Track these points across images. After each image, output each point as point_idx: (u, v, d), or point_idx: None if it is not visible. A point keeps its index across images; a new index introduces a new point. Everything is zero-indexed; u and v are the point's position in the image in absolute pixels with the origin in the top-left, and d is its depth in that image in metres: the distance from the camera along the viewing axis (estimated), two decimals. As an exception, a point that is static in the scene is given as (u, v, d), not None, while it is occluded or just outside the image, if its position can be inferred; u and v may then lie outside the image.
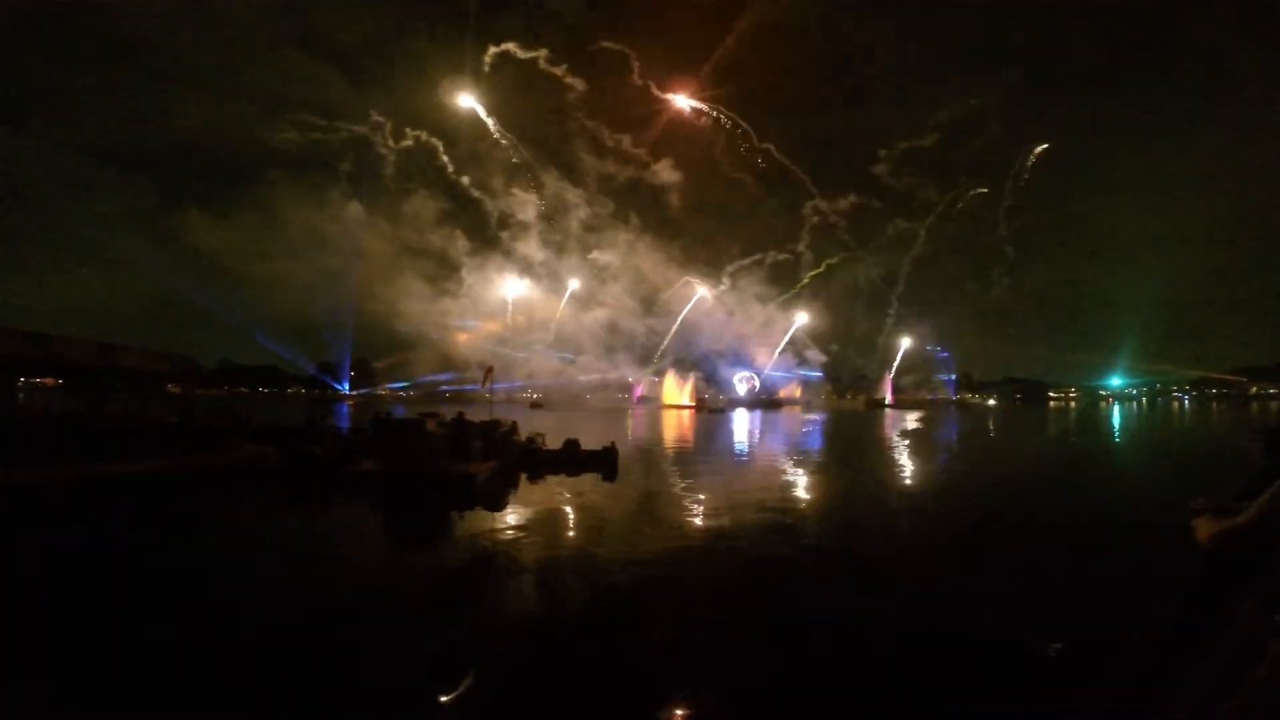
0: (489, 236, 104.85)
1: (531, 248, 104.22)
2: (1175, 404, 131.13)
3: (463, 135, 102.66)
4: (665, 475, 17.94)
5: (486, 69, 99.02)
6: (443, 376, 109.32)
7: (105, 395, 19.28)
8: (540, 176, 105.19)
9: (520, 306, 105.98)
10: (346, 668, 5.02)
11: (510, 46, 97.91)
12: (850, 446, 30.56)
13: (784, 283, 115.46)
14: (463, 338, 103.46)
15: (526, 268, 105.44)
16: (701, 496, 13.49)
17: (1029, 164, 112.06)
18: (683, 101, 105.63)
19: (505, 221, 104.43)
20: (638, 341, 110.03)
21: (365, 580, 7.69)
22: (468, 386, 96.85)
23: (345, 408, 65.39)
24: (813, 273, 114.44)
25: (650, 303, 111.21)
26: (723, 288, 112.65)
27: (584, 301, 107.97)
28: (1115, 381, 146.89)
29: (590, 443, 18.38)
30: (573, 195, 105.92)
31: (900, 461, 22.53)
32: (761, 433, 39.55)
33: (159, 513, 11.67)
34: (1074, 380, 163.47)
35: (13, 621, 5.88)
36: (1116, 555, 8.81)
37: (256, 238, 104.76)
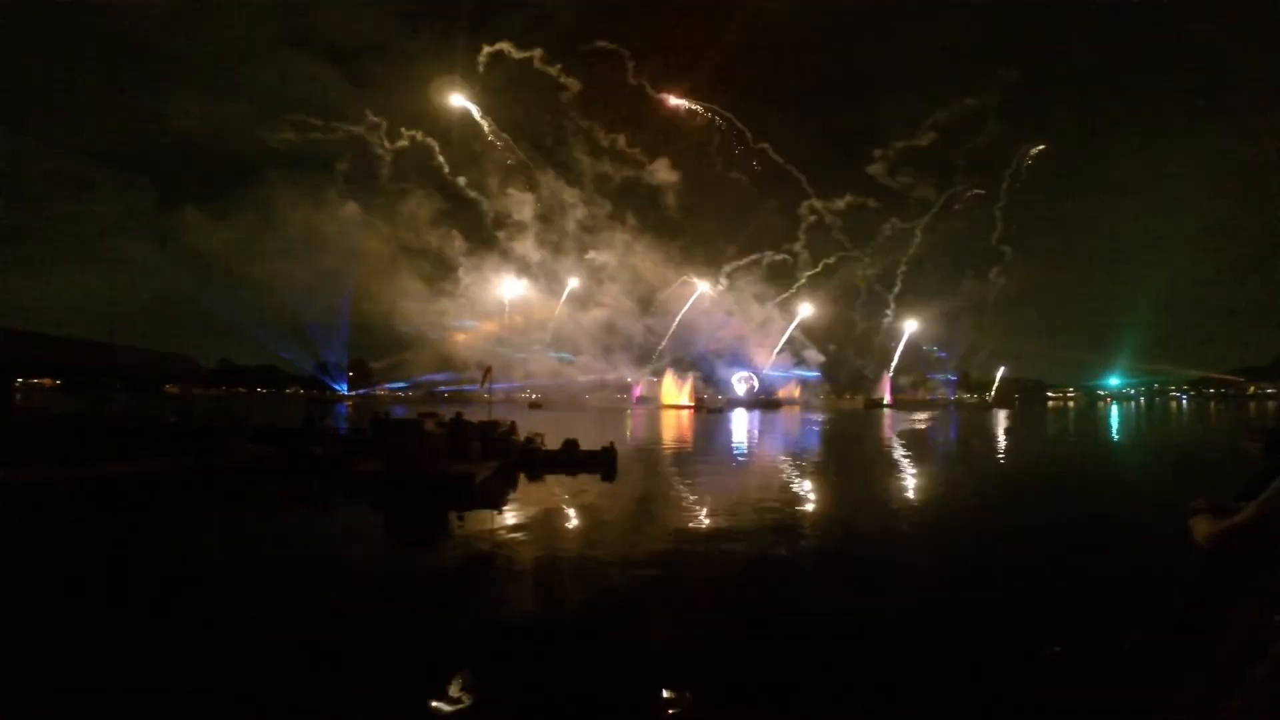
0: (485, 237, 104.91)
1: (528, 248, 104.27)
2: (1173, 404, 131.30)
3: (460, 135, 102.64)
4: (664, 476, 17.95)
5: (485, 69, 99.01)
6: (441, 376, 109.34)
7: (104, 396, 19.24)
8: (537, 176, 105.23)
9: (518, 307, 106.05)
10: (345, 668, 5.01)
11: (508, 46, 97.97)
12: (850, 447, 30.59)
13: (781, 283, 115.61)
14: (461, 338, 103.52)
15: (524, 268, 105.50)
16: (701, 497, 13.50)
17: (1026, 164, 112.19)
18: (678, 101, 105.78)
19: (502, 222, 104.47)
20: (635, 342, 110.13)
21: (364, 580, 7.69)
22: (466, 386, 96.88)
23: (343, 408, 65.32)
24: (809, 273, 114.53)
25: (648, 303, 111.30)
26: (720, 287, 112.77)
27: (582, 301, 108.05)
28: (1113, 381, 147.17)
29: (589, 443, 18.37)
30: (569, 195, 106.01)
31: (898, 461, 22.55)
32: (761, 433, 39.56)
33: (159, 513, 11.65)
34: (1072, 380, 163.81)
35: (12, 621, 5.87)
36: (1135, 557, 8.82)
37: (256, 238, 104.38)
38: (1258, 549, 1.70)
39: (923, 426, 46.73)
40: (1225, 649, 1.63)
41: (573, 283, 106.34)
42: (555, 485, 14.76)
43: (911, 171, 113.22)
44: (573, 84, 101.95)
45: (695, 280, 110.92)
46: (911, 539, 10.33)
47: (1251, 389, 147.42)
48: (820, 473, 19.03)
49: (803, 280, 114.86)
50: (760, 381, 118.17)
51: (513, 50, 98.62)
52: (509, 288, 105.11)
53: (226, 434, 16.58)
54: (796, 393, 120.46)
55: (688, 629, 6.07)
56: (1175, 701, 1.64)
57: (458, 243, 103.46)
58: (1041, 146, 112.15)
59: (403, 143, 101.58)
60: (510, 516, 11.20)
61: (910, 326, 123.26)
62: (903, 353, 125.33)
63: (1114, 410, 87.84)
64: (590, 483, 14.95)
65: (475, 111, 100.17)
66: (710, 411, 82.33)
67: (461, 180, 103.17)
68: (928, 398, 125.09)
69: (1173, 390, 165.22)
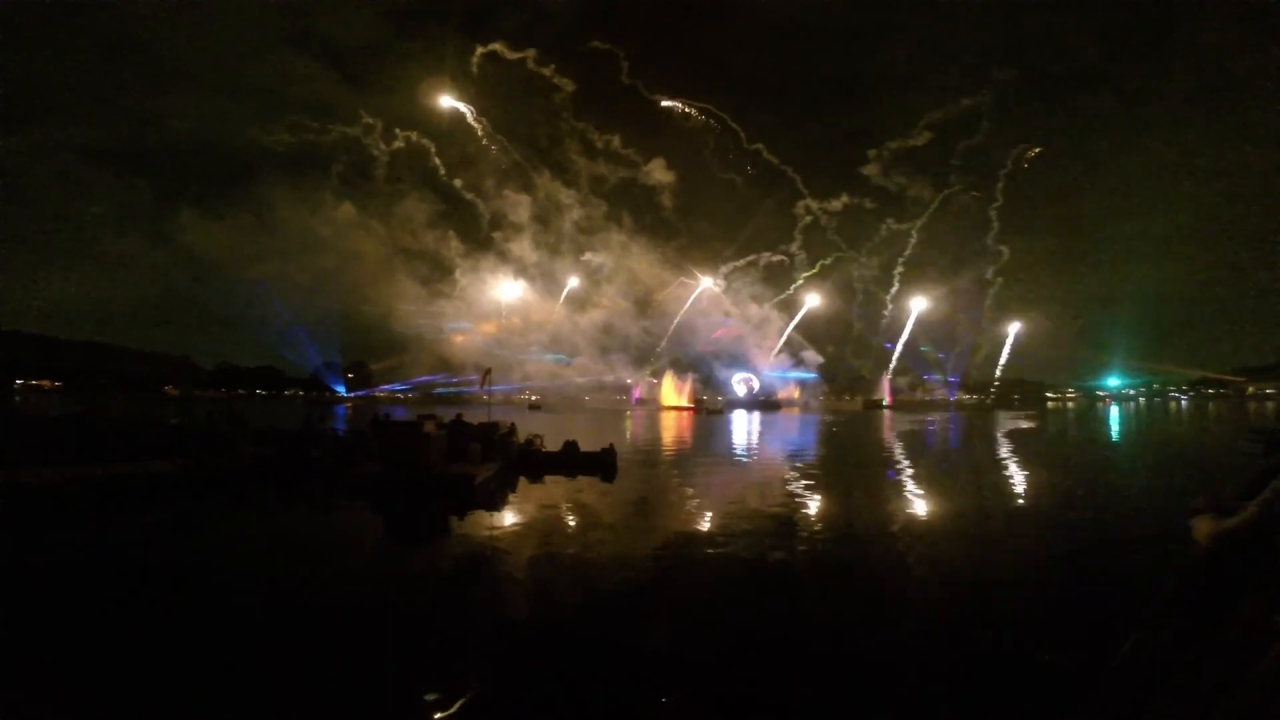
0: (482, 238, 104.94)
1: (525, 249, 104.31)
2: (1173, 404, 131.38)
3: (456, 136, 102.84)
4: (664, 478, 17.94)
5: (480, 70, 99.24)
6: (440, 378, 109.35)
7: (104, 397, 19.23)
8: (533, 177, 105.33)
9: (515, 308, 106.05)
10: (344, 668, 5.01)
11: (501, 47, 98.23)
12: (854, 451, 30.58)
13: (779, 284, 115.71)
14: (459, 339, 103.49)
15: (521, 269, 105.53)
16: (701, 500, 13.48)
17: (1024, 165, 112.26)
18: (671, 103, 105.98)
19: (499, 223, 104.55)
20: (633, 343, 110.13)
21: (364, 582, 7.68)
22: (466, 388, 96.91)
23: (342, 410, 65.27)
24: (807, 274, 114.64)
25: (645, 304, 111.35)
26: (718, 288, 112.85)
27: (579, 303, 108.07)
28: (1112, 382, 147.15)
29: (589, 445, 18.37)
30: (565, 196, 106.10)
31: (900, 461, 22.54)
32: (761, 434, 39.54)
33: (160, 514, 11.64)
34: (1071, 381, 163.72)
35: (12, 621, 5.86)
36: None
37: (254, 239, 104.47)
38: (1258, 549, 1.71)
39: (921, 428, 46.69)
40: (1225, 649, 1.63)
41: (572, 281, 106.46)
42: (555, 487, 14.75)
43: (907, 172, 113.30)
44: (567, 84, 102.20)
45: (697, 273, 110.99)
46: (903, 551, 10.31)
47: (1251, 389, 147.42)
48: (819, 471, 19.00)
49: (800, 281, 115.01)
50: (759, 383, 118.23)
51: (506, 51, 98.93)
52: (506, 289, 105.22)
53: (228, 436, 16.59)
54: (796, 394, 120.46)
55: (684, 634, 6.06)
56: (1175, 701, 1.65)
57: (454, 244, 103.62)
58: (1038, 149, 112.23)
59: (399, 144, 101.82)
60: (510, 518, 11.19)
61: (908, 327, 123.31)
62: (901, 354, 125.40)
63: (1114, 411, 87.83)
64: (590, 484, 14.94)
65: (471, 113, 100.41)
66: (710, 413, 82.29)
67: (458, 182, 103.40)
68: (926, 399, 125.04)
69: (1172, 391, 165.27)
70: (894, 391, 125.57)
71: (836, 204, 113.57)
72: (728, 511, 11.83)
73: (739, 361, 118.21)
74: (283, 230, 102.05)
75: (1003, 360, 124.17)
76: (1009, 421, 55.59)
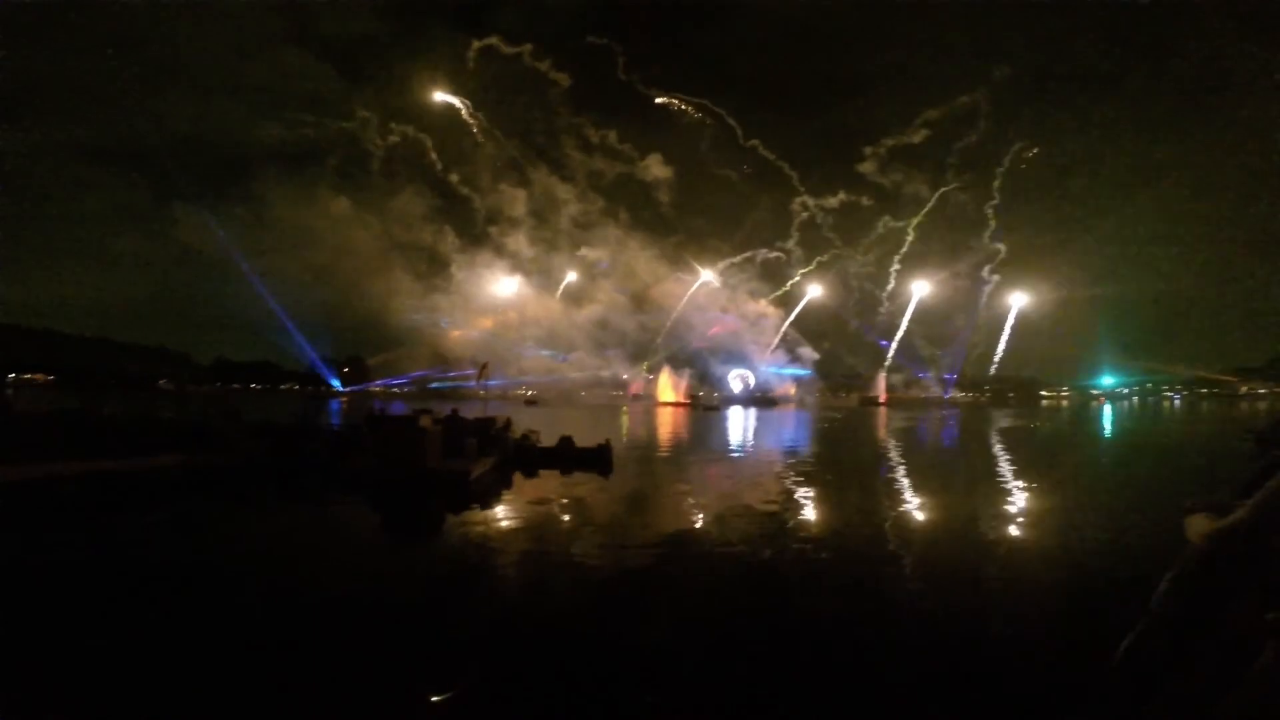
0: (478, 233, 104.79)
1: (522, 244, 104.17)
2: (1166, 403, 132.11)
3: (452, 131, 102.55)
4: (660, 473, 17.96)
5: (476, 65, 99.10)
6: (436, 373, 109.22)
7: (99, 391, 19.13)
8: (529, 172, 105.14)
9: (512, 303, 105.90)
10: (341, 667, 5.00)
11: (497, 41, 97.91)
12: (851, 448, 30.68)
13: (775, 280, 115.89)
14: (455, 334, 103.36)
15: (517, 264, 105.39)
16: (697, 495, 13.50)
17: (1021, 164, 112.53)
18: (666, 99, 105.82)
19: (495, 218, 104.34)
20: (630, 339, 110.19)
21: (359, 578, 7.67)
22: (462, 383, 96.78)
23: (337, 404, 65.13)
24: (803, 270, 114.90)
25: (642, 300, 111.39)
26: (715, 285, 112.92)
27: (576, 298, 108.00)
28: (1107, 381, 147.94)
29: (585, 440, 18.38)
30: (562, 191, 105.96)
31: (889, 453, 22.64)
32: (757, 430, 39.62)
33: (155, 510, 11.58)
34: (1065, 379, 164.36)
35: (12, 621, 5.84)
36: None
37: (251, 234, 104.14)
38: (1254, 548, 1.71)
39: (911, 425, 46.84)
40: (1221, 648, 1.64)
41: (569, 277, 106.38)
42: (551, 482, 14.75)
43: (904, 169, 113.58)
44: (563, 79, 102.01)
45: (696, 266, 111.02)
46: (900, 536, 10.35)
47: (1244, 389, 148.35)
48: (818, 469, 19.04)
49: (797, 278, 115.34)
50: (755, 379, 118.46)
51: (503, 45, 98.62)
52: (503, 284, 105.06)
53: (223, 430, 16.52)
54: (792, 391, 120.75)
55: (679, 630, 6.06)
56: (1173, 701, 1.65)
57: (451, 239, 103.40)
58: (1036, 150, 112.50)
59: (395, 138, 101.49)
60: (506, 513, 11.19)
61: (903, 324, 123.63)
62: (896, 351, 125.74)
63: (1109, 410, 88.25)
64: (586, 480, 14.95)
65: (467, 108, 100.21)
66: (706, 409, 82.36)
67: (454, 177, 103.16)
68: (922, 396, 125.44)
69: (1165, 390, 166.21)
70: (889, 389, 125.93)
71: (833, 201, 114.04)
72: (722, 507, 11.85)
73: (735, 358, 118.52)
74: (279, 226, 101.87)
75: (997, 358, 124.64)
76: (1003, 419, 55.85)
